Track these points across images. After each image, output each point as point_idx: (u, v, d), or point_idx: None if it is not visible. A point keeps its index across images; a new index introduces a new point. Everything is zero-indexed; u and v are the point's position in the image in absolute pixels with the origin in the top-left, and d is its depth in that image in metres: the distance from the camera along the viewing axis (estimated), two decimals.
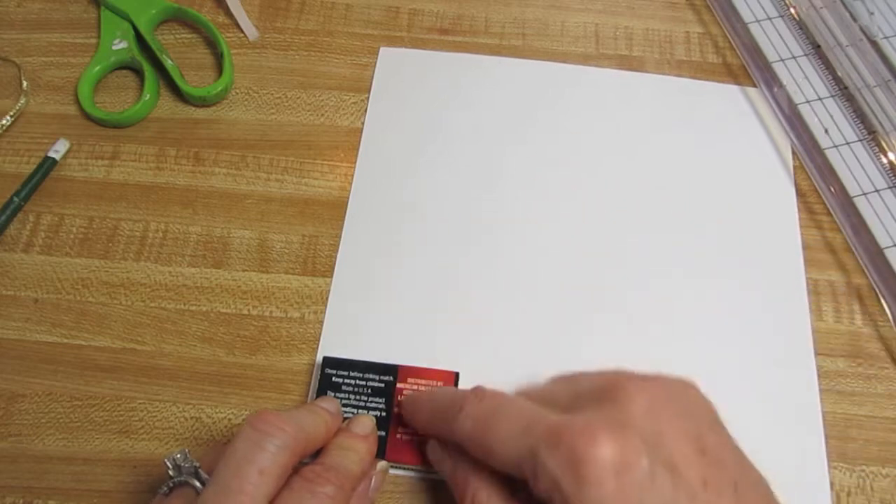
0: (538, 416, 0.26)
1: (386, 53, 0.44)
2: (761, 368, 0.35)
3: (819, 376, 0.35)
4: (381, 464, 0.31)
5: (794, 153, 0.41)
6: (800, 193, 0.40)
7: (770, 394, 0.35)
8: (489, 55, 0.44)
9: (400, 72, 0.43)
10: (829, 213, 0.40)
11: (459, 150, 0.41)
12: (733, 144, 0.41)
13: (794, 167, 0.41)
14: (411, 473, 0.33)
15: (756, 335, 0.36)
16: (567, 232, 0.39)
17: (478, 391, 0.28)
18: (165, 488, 0.26)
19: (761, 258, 0.38)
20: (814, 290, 0.38)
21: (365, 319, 0.36)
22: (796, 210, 0.40)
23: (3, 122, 0.40)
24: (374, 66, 0.43)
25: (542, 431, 0.25)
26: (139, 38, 0.43)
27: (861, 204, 0.39)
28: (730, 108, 0.43)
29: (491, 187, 0.40)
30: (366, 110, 0.42)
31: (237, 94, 0.42)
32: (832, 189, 0.40)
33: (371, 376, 0.33)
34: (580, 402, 0.26)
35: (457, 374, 0.34)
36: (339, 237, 0.38)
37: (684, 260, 0.38)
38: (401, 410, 0.33)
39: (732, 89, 0.43)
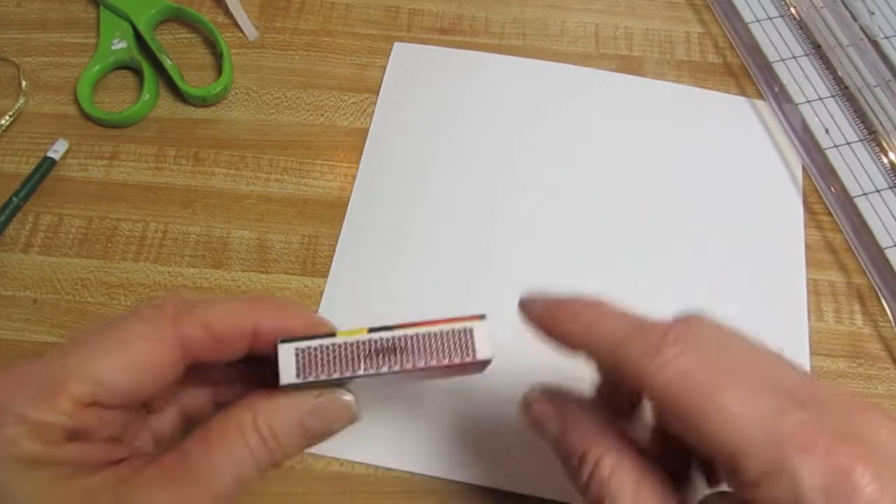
0: (788, 399, 0.20)
1: (399, 49, 0.44)
2: None
3: (819, 377, 0.35)
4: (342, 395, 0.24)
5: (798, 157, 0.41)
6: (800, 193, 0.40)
7: None
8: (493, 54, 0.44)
9: (412, 68, 0.43)
10: (830, 214, 0.40)
11: (468, 149, 0.41)
12: (734, 145, 0.41)
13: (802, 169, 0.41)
14: (410, 473, 0.33)
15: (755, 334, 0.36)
16: (573, 235, 0.39)
17: (678, 335, 0.21)
18: None
19: (763, 258, 0.38)
20: (814, 291, 0.37)
21: (361, 320, 0.36)
22: (802, 212, 0.39)
23: (3, 122, 0.40)
24: (374, 66, 0.43)
25: (796, 428, 0.19)
26: (138, 37, 0.43)
27: (862, 204, 0.39)
28: (731, 109, 0.42)
29: (495, 190, 0.40)
30: (372, 109, 0.42)
31: (237, 94, 0.42)
32: (833, 189, 0.40)
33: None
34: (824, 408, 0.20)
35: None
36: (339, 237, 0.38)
37: (685, 260, 0.38)
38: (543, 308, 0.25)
39: (735, 97, 0.43)
